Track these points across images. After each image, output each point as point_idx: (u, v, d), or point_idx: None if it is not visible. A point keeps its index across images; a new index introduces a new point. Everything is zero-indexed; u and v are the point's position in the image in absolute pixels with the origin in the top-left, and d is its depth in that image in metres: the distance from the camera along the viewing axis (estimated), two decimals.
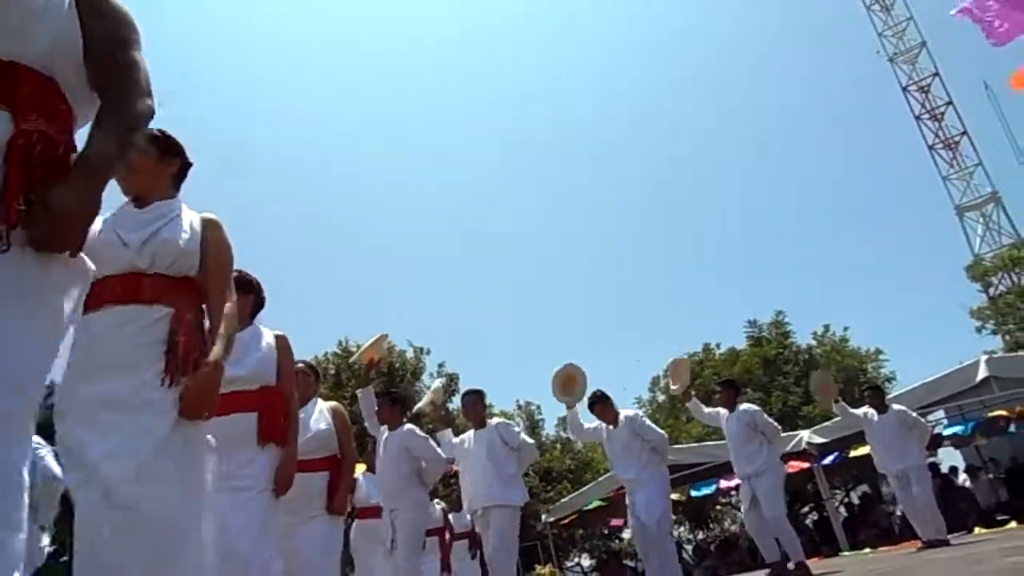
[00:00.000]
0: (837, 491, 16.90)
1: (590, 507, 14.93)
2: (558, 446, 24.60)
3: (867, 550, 10.43)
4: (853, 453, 10.63)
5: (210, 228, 2.21)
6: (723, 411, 6.84)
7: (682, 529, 21.99)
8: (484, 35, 79.58)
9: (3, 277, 1.14)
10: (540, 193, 70.59)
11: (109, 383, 1.86)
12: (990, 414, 10.34)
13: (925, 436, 7.85)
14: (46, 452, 4.01)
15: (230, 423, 2.82)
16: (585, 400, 6.27)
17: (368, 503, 6.19)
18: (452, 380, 22.12)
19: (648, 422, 6.16)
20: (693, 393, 7.17)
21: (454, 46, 78.25)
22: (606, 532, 20.63)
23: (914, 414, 7.84)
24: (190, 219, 2.18)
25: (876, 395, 7.90)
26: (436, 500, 9.33)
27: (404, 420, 5.28)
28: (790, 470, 10.62)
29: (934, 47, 33.64)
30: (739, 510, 18.65)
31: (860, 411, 7.82)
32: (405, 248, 63.26)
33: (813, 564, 8.33)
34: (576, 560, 23.68)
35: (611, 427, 6.12)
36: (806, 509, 17.60)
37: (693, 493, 13.27)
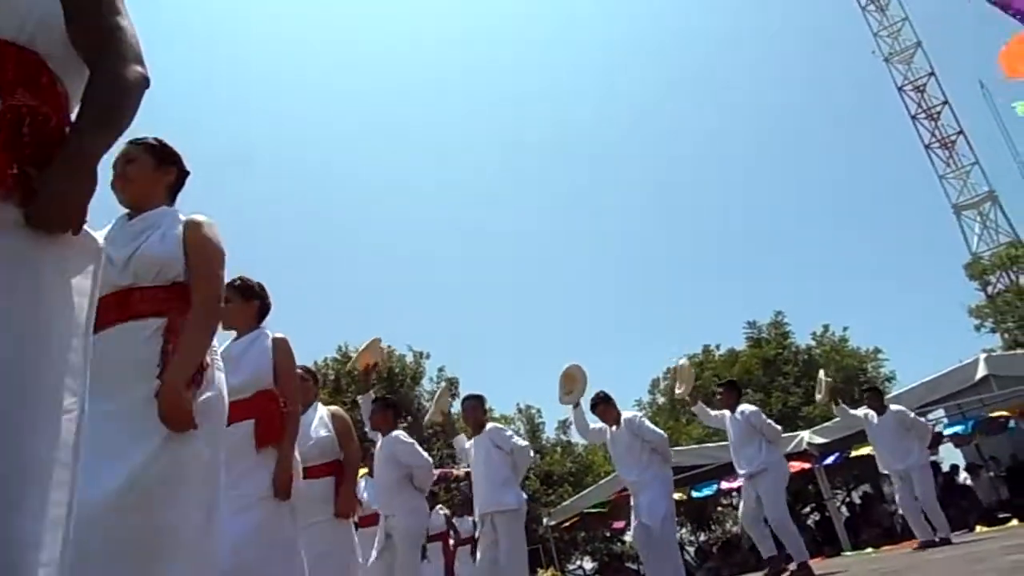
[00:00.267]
0: (838, 491, 16.92)
1: (591, 511, 14.96)
2: (559, 449, 24.59)
3: (869, 550, 10.44)
4: (854, 453, 10.65)
5: (191, 229, 2.15)
6: (726, 412, 6.86)
7: (684, 531, 22.00)
8: (484, 35, 79.78)
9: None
10: (539, 195, 70.72)
11: (108, 401, 1.83)
12: (991, 414, 10.36)
13: (925, 436, 7.88)
14: None
15: (228, 434, 2.83)
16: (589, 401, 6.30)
17: (369, 510, 6.20)
18: (452, 384, 22.13)
19: (647, 423, 6.17)
20: (697, 395, 7.18)
21: (453, 46, 78.43)
22: (608, 535, 20.62)
23: (912, 414, 7.87)
24: (175, 225, 2.15)
25: (875, 396, 7.94)
26: (439, 505, 9.36)
27: (396, 425, 5.28)
28: (792, 471, 10.66)
29: (929, 47, 33.84)
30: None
31: (860, 412, 7.85)
32: (404, 250, 63.31)
33: (816, 564, 8.34)
34: (578, 563, 23.66)
35: (613, 428, 6.14)
36: (807, 509, 17.61)
37: (694, 495, 13.27)
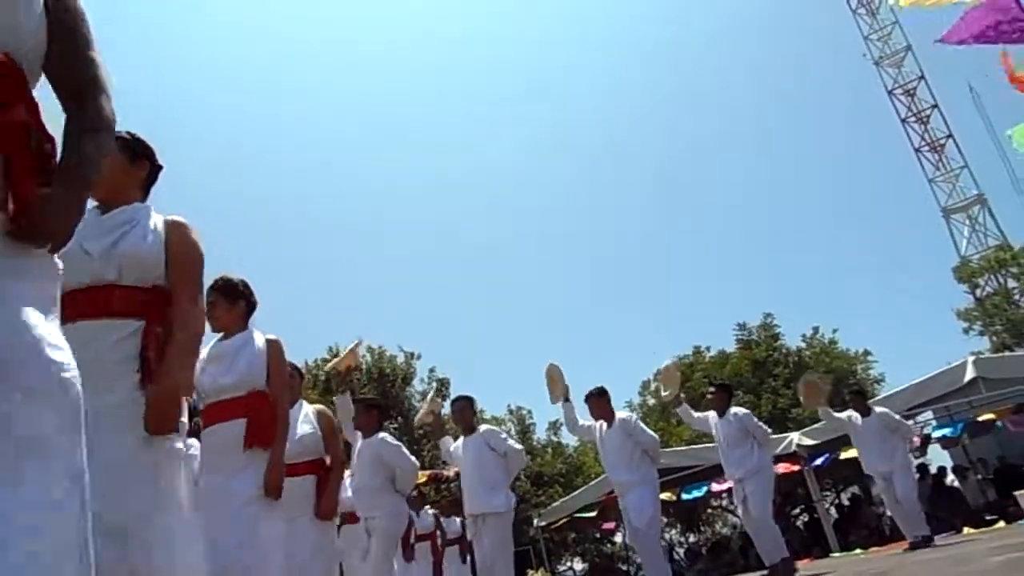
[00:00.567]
0: (827, 492, 16.97)
1: (581, 515, 14.96)
2: (549, 450, 24.59)
3: (858, 551, 10.47)
4: (843, 455, 10.67)
5: (174, 231, 2.10)
6: (712, 415, 6.85)
7: (674, 532, 22.03)
8: (482, 35, 79.77)
9: None
10: (531, 197, 70.76)
11: (88, 399, 1.80)
12: (980, 418, 10.41)
13: (909, 437, 7.94)
14: None
15: (220, 432, 2.83)
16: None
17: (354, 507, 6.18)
18: (443, 385, 22.10)
19: (642, 425, 6.17)
20: (683, 397, 7.18)
21: (448, 46, 78.38)
22: (598, 536, 20.63)
23: (897, 416, 7.90)
24: (153, 223, 2.09)
25: (859, 399, 7.97)
26: (427, 506, 9.32)
27: (381, 427, 5.24)
28: (781, 472, 10.68)
29: (919, 51, 33.98)
30: (731, 512, 18.74)
31: (844, 415, 7.88)
32: (396, 251, 63.24)
33: (804, 565, 8.36)
34: (568, 564, 23.66)
35: (605, 427, 6.13)
36: (797, 511, 17.66)
37: (684, 496, 13.28)
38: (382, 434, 5.10)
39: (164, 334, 2.00)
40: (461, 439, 5.53)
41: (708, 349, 25.02)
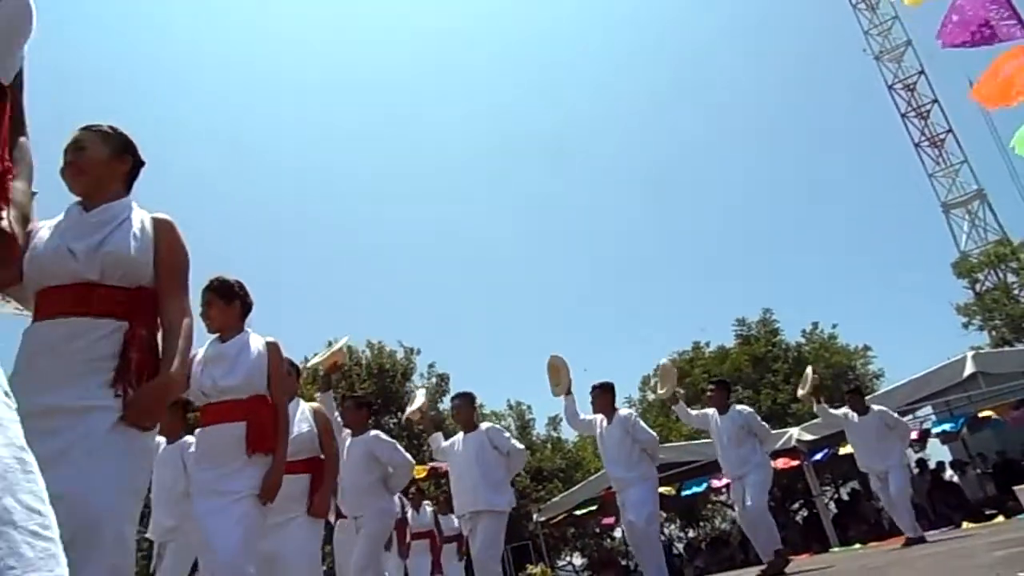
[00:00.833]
0: (827, 488, 17.00)
1: (580, 513, 14.99)
2: (548, 445, 24.59)
3: (857, 545, 10.48)
4: (842, 450, 10.68)
5: (162, 231, 2.06)
6: (710, 411, 6.84)
7: (673, 527, 22.05)
8: (482, 32, 79.60)
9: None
10: (531, 193, 70.68)
11: (53, 395, 1.76)
12: (980, 414, 10.42)
13: (906, 436, 7.95)
14: None
15: (220, 432, 2.83)
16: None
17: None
18: (443, 380, 22.08)
19: (641, 423, 6.16)
20: (681, 392, 7.17)
21: (447, 45, 78.22)
22: (597, 531, 20.65)
23: (895, 414, 7.89)
24: (140, 221, 2.04)
25: (856, 397, 7.96)
26: (426, 502, 9.33)
27: (370, 425, 5.21)
28: (781, 467, 10.69)
29: (919, 45, 33.86)
30: (730, 508, 18.75)
31: (840, 412, 7.87)
32: (395, 247, 63.18)
33: (803, 560, 8.37)
34: (568, 559, 23.69)
35: (605, 422, 6.12)
36: (796, 506, 17.68)
37: (684, 492, 13.30)
38: (374, 431, 5.07)
39: (149, 336, 1.96)
40: (460, 436, 5.46)
41: (708, 344, 25.03)
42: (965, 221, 31.94)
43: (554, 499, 17.13)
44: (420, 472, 13.92)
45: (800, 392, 8.05)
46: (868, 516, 12.59)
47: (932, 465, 12.76)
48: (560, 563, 22.70)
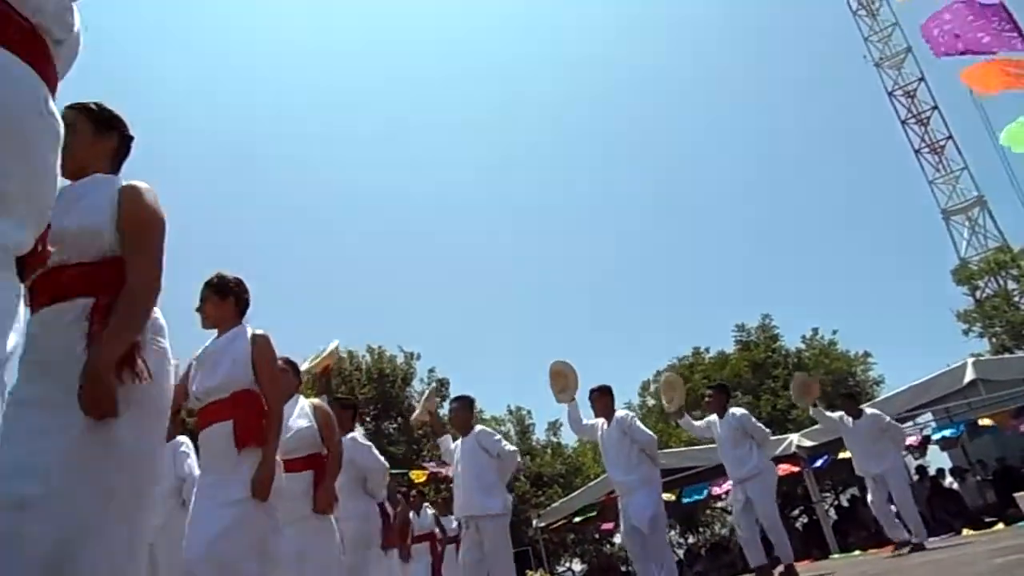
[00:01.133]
0: (827, 494, 16.98)
1: (579, 520, 14.97)
2: (548, 451, 24.58)
3: (857, 552, 10.47)
4: (842, 456, 10.65)
5: (126, 197, 1.93)
6: (713, 417, 6.86)
7: (673, 533, 22.01)
8: (482, 37, 79.77)
9: None
10: (531, 198, 70.72)
11: (31, 386, 1.70)
12: (980, 422, 10.41)
13: (900, 439, 7.95)
14: None
15: (211, 434, 2.82)
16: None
17: None
18: (442, 385, 22.09)
19: (638, 423, 6.14)
20: (683, 408, 7.17)
21: (445, 48, 78.38)
22: (597, 536, 20.61)
23: (887, 418, 7.89)
24: (105, 194, 1.94)
25: (849, 402, 7.98)
26: (426, 504, 9.33)
27: (354, 427, 5.19)
28: (781, 473, 10.67)
29: (919, 52, 33.89)
30: (730, 514, 18.73)
31: (836, 415, 7.89)
32: (396, 251, 63.19)
33: (803, 567, 8.36)
34: (567, 565, 23.65)
35: (605, 425, 6.12)
36: (796, 512, 17.65)
37: (684, 498, 13.28)
38: (353, 433, 5.06)
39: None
40: (460, 439, 5.50)
41: (708, 350, 25.03)
42: (965, 228, 31.96)
43: (554, 504, 17.11)
44: (420, 476, 13.93)
45: (795, 397, 8.07)
46: (868, 522, 12.54)
47: (932, 472, 12.75)
48: (560, 569, 22.67)
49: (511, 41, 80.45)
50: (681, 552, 19.09)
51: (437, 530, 9.09)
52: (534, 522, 16.48)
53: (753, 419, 6.73)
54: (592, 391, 6.27)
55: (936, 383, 10.69)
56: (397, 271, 62.16)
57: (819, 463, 11.49)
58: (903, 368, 54.33)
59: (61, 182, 1.97)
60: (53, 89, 1.29)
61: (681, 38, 73.10)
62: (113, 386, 1.74)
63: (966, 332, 24.65)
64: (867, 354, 24.05)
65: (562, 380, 6.28)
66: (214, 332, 3.06)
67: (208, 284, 3.03)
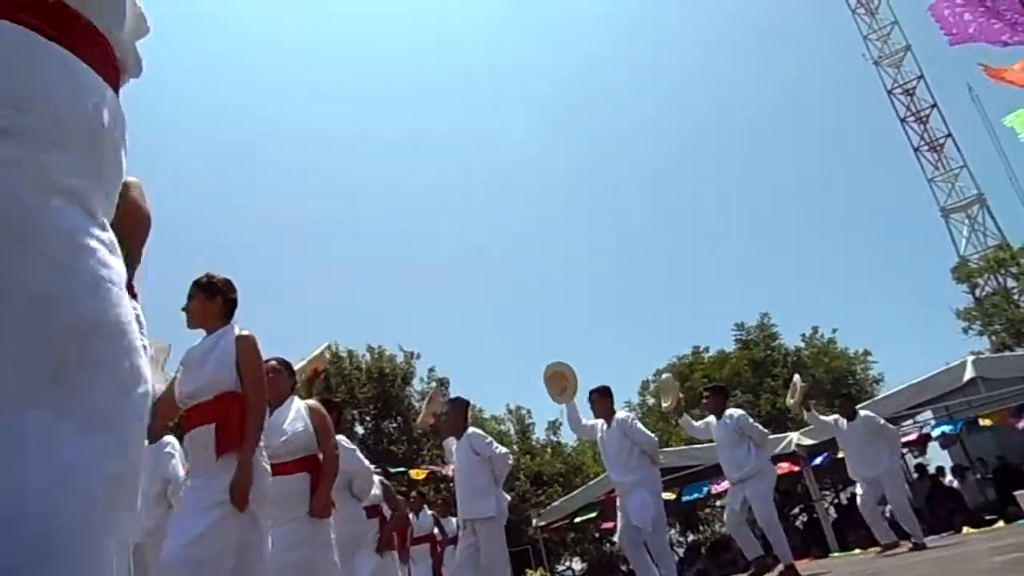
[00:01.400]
0: (826, 492, 16.96)
1: (579, 520, 14.95)
2: (548, 450, 24.56)
3: (856, 550, 10.46)
4: (842, 454, 10.65)
5: (125, 192, 1.98)
6: (711, 418, 6.85)
7: (673, 532, 22.00)
8: (482, 37, 79.74)
9: None
10: (530, 198, 70.71)
11: None
12: (981, 421, 10.40)
13: (895, 441, 7.92)
14: None
15: (195, 437, 2.80)
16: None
17: None
18: (442, 385, 22.07)
19: (638, 425, 6.14)
20: (682, 398, 7.17)
21: (445, 48, 78.34)
22: (597, 535, 20.61)
23: (881, 420, 7.86)
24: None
25: (846, 403, 7.95)
26: (425, 506, 9.31)
27: (340, 429, 5.16)
28: (781, 472, 10.66)
29: (918, 50, 33.93)
30: None
31: (830, 418, 7.87)
32: (396, 250, 63.17)
33: (803, 565, 8.35)
34: (567, 564, 23.64)
35: (605, 426, 6.12)
36: (796, 510, 17.64)
37: (684, 496, 13.27)
38: (338, 436, 5.02)
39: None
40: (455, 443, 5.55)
41: (707, 349, 25.02)
42: (965, 226, 31.93)
43: (554, 504, 17.10)
44: (419, 474, 13.94)
45: (789, 401, 8.03)
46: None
47: (932, 470, 12.74)
48: (560, 568, 22.66)
49: (511, 41, 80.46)
50: (681, 551, 19.08)
51: (437, 531, 9.07)
52: (534, 521, 16.47)
53: (751, 420, 6.69)
54: (592, 392, 6.26)
55: (936, 381, 10.69)
56: (397, 271, 62.19)
57: (819, 461, 11.49)
58: (903, 366, 54.54)
59: None
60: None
61: (680, 38, 73.14)
62: None
63: (966, 330, 24.65)
64: (867, 352, 24.07)
65: (562, 381, 6.28)
66: (202, 333, 3.03)
67: (196, 283, 3.00)
